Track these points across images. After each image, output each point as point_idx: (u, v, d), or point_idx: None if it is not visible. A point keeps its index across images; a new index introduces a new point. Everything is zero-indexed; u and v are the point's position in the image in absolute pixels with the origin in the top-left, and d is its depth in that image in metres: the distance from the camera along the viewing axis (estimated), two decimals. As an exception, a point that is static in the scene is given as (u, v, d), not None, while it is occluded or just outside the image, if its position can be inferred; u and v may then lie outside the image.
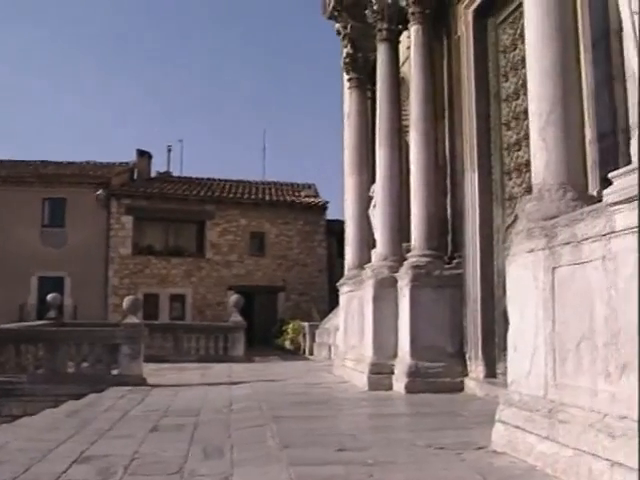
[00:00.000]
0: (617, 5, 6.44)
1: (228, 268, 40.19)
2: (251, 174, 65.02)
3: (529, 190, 7.80)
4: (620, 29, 6.75)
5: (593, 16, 8.34)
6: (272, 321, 37.72)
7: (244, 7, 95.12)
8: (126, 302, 16.79)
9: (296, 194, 44.45)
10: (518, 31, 10.93)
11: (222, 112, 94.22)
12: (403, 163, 14.48)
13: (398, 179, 14.39)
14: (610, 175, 5.72)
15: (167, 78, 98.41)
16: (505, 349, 7.54)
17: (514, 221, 7.64)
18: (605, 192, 5.61)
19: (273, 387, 14.14)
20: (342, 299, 17.30)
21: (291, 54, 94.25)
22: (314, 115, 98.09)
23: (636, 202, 5.05)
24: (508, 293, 7.38)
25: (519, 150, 11.26)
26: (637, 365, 4.91)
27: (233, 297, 26.27)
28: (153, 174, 44.73)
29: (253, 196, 42.60)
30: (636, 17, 5.98)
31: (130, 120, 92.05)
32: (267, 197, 42.91)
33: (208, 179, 45.30)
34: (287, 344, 31.52)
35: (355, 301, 15.48)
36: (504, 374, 8.02)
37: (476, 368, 12.00)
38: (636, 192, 5.06)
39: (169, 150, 47.64)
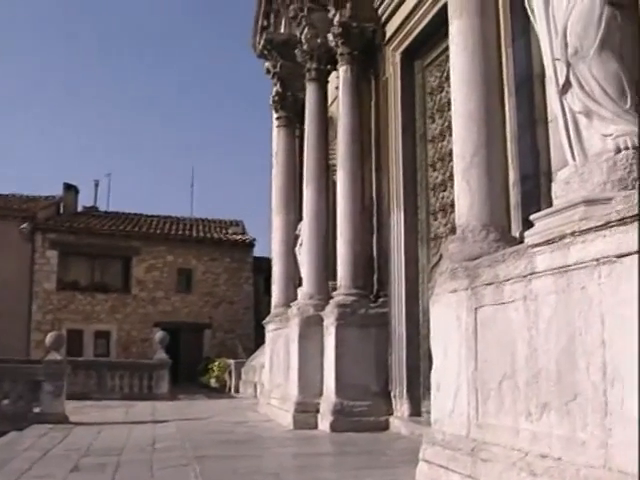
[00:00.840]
0: (540, 51, 6.61)
1: (154, 305, 39.73)
2: (179, 210, 64.63)
3: (454, 230, 7.92)
4: (543, 74, 6.94)
5: (517, 61, 8.55)
6: (198, 358, 37.29)
7: (174, 42, 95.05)
8: (49, 338, 16.43)
9: (224, 231, 44.27)
10: (445, 74, 11.14)
11: (151, 147, 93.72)
12: (330, 202, 14.56)
13: (325, 218, 14.46)
14: (531, 217, 5.85)
15: (96, 112, 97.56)
16: (430, 388, 7.59)
17: (439, 261, 7.75)
18: (526, 234, 5.72)
19: (197, 426, 13.98)
20: (268, 337, 17.25)
21: (222, 90, 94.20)
22: (244, 152, 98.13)
23: (556, 244, 5.16)
24: (432, 333, 7.45)
25: (444, 191, 11.43)
26: (557, 404, 4.99)
27: (158, 334, 25.98)
28: (80, 208, 44.08)
29: (180, 232, 42.28)
30: (558, 63, 6.15)
31: (57, 153, 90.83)
32: (195, 233, 42.63)
33: (135, 214, 44.83)
34: (213, 382, 31.21)
35: (281, 339, 15.44)
36: (429, 412, 8.08)
37: (401, 407, 12.04)
38: (556, 234, 5.18)
39: (96, 184, 47.12)
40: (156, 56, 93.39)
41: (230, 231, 44.23)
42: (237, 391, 27.30)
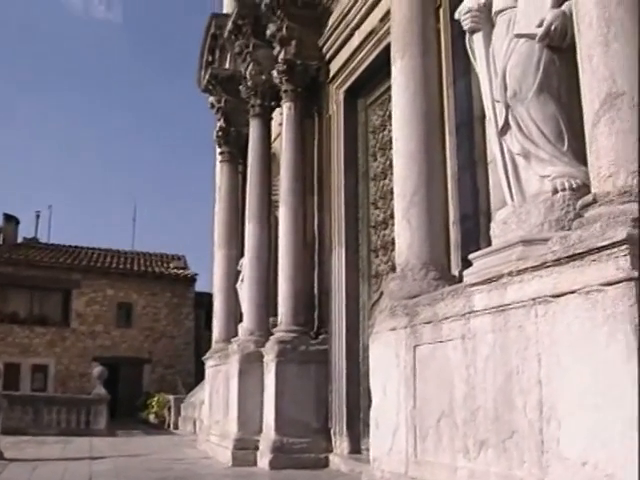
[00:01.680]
0: (480, 92, 6.73)
1: (93, 339, 39.22)
2: (121, 243, 64.00)
3: (395, 268, 7.97)
4: (483, 115, 7.06)
5: (458, 101, 8.67)
6: (137, 394, 36.82)
7: (118, 76, 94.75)
8: (-17, 372, 16.11)
9: (165, 265, 43.99)
10: (387, 112, 11.23)
11: (93, 179, 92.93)
12: (272, 238, 14.55)
13: (267, 254, 14.44)
14: (470, 256, 5.92)
15: (38, 143, 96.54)
16: (369, 425, 7.58)
17: (379, 298, 7.76)
18: (465, 273, 5.79)
19: (135, 462, 13.76)
20: (208, 373, 17.11)
21: (166, 124, 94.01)
22: (188, 186, 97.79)
23: (494, 283, 5.22)
24: (371, 370, 7.46)
25: (386, 229, 11.50)
26: (494, 442, 5.02)
27: (97, 369, 25.59)
28: (20, 239, 43.52)
29: (122, 266, 41.90)
30: (497, 105, 6.27)
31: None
32: (136, 267, 42.28)
33: (76, 247, 44.34)
34: (152, 418, 30.81)
35: (221, 375, 15.32)
36: (368, 450, 8.06)
37: (341, 444, 11.99)
38: (494, 274, 5.24)
39: (37, 216, 46.59)
40: (101, 89, 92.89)
41: (172, 265, 43.95)
42: (176, 427, 26.97)
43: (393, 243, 9.65)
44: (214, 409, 15.75)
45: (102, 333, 39.53)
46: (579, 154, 5.70)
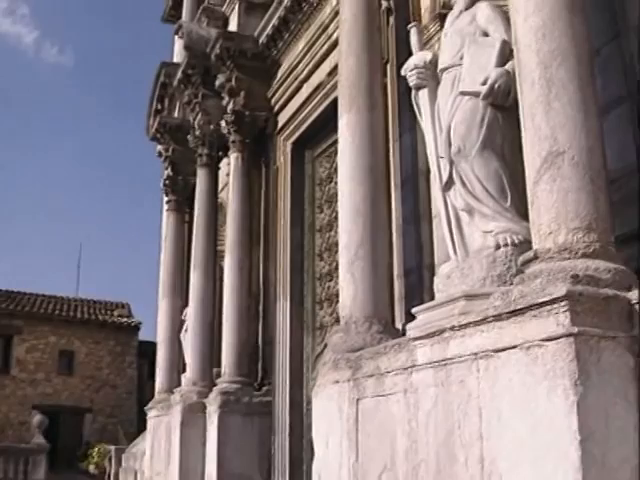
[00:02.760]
0: (425, 148, 6.82)
1: (34, 386, 38.50)
2: (64, 289, 63.21)
3: (339, 320, 7.97)
4: (428, 170, 7.14)
5: (404, 156, 8.78)
6: (78, 443, 36.15)
7: (64, 121, 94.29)
8: None
9: (109, 313, 43.49)
10: (334, 165, 11.32)
11: (37, 224, 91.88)
12: (217, 288, 14.50)
13: (211, 304, 14.37)
14: (414, 310, 5.94)
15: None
16: (312, 478, 7.52)
17: (323, 350, 7.76)
18: (408, 326, 5.80)
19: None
20: (150, 423, 16.86)
21: (113, 170, 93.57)
22: (134, 234, 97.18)
23: (436, 337, 5.24)
24: (314, 423, 7.42)
25: (331, 280, 11.52)
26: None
27: (37, 417, 25.09)
28: (-41, 284, 42.77)
29: (65, 313, 41.32)
30: (441, 161, 6.35)
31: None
32: (79, 314, 41.73)
33: (18, 292, 43.59)
34: (92, 468, 30.22)
35: (163, 426, 15.11)
36: (310, 504, 7.99)
37: (283, 497, 11.87)
38: (437, 328, 5.26)
39: (-22, 261, 45.90)
40: (49, 133, 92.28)
41: (116, 313, 43.48)
42: (117, 479, 26.45)
43: (338, 295, 9.66)
44: (155, 460, 15.50)
45: (43, 381, 38.84)
46: (522, 210, 5.78)
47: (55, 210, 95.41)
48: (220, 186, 15.32)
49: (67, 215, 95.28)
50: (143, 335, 41.96)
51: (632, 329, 4.40)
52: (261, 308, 13.35)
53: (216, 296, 14.48)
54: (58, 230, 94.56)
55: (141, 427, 28.24)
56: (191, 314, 14.60)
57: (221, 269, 14.33)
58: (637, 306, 4.42)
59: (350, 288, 7.45)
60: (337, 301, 10.28)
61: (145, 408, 17.84)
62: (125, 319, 42.78)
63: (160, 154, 17.97)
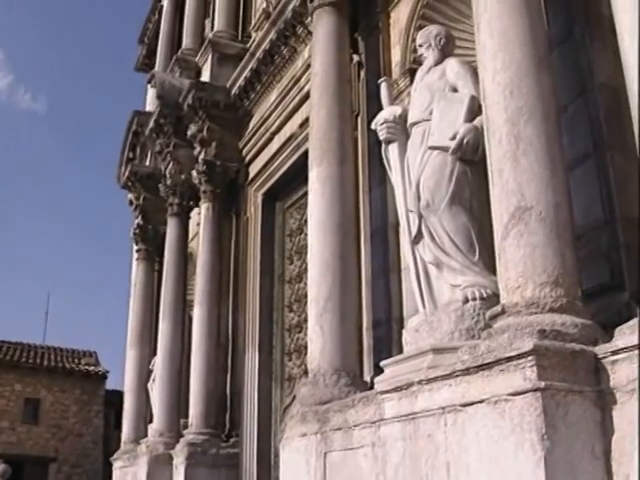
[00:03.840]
0: (395, 201, 6.86)
1: (-2, 435, 37.82)
2: (31, 336, 62.40)
3: (308, 372, 7.94)
4: (397, 223, 7.19)
5: (373, 209, 8.81)
6: (42, 494, 35.50)
7: (36, 167, 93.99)
8: None
9: (76, 361, 42.94)
10: (305, 217, 11.34)
11: (5, 270, 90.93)
12: (186, 338, 14.39)
13: (179, 354, 14.26)
14: (382, 363, 5.94)
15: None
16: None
17: (291, 403, 7.72)
18: (376, 380, 5.80)
19: None
20: (116, 474, 16.60)
21: (83, 218, 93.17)
22: (102, 281, 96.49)
23: (404, 391, 5.23)
24: (281, 476, 7.36)
25: (300, 332, 11.48)
26: None
27: (0, 467, 24.64)
28: None
29: (31, 360, 40.70)
30: (411, 214, 6.40)
31: None
32: (46, 362, 41.14)
33: (-17, 339, 43.04)
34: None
35: (129, 477, 14.89)
36: None
37: None
38: (405, 382, 5.26)
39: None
40: (20, 180, 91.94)
41: (83, 361, 42.94)
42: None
43: (307, 346, 9.65)
44: (120, 513, 15.26)
45: (7, 429, 38.13)
46: (490, 264, 5.83)
47: (23, 258, 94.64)
48: (190, 235, 15.30)
49: (35, 263, 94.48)
50: (110, 384, 41.39)
51: (599, 383, 4.43)
52: (230, 359, 13.26)
53: (185, 346, 14.37)
54: (26, 277, 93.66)
55: (107, 478, 27.78)
56: (159, 364, 14.47)
57: (190, 319, 14.25)
58: (603, 360, 4.45)
59: (319, 341, 7.45)
60: (306, 352, 10.25)
61: (111, 459, 17.58)
62: (92, 367, 42.23)
63: (131, 202, 17.93)
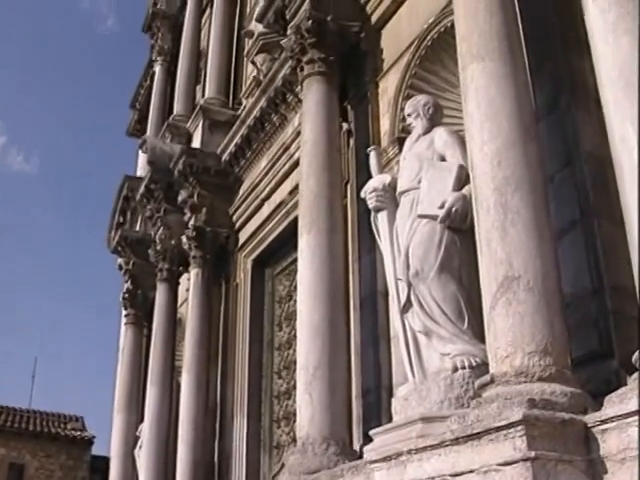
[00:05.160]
0: (384, 269, 6.89)
1: (-21, 502, 37.15)
2: (17, 400, 61.71)
3: (296, 439, 7.87)
4: (386, 291, 7.20)
5: (363, 277, 8.82)
6: None
7: (26, 228, 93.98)
8: None
9: (62, 426, 42.41)
10: (294, 283, 11.35)
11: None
12: (174, 404, 14.27)
13: (167, 420, 14.12)
14: (371, 432, 5.90)
15: None
16: None
17: (280, 471, 7.65)
18: (365, 449, 5.75)
19: None
20: None
21: (72, 284, 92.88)
22: (90, 346, 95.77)
23: (393, 460, 5.20)
24: None
25: (289, 399, 11.41)
26: None
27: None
28: None
29: (16, 425, 40.18)
30: (400, 283, 6.41)
31: None
32: (31, 427, 40.62)
33: (-32, 402, 42.50)
34: None
35: None
36: None
37: None
38: (394, 451, 5.22)
39: None
40: (11, 241, 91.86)
41: (69, 426, 42.41)
42: None
43: (295, 414, 9.58)
44: None
45: (-12, 497, 37.55)
46: (479, 332, 5.83)
47: (10, 320, 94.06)
48: (180, 301, 15.27)
49: (23, 325, 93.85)
50: (96, 450, 40.79)
51: (589, 452, 4.42)
52: (218, 426, 13.12)
53: (172, 412, 14.24)
54: (13, 341, 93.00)
55: None
56: (146, 430, 14.32)
57: (178, 385, 14.15)
58: (593, 429, 4.44)
59: (308, 409, 7.40)
60: (295, 420, 10.18)
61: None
62: (78, 432, 41.70)
63: (120, 267, 17.93)
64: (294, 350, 11.04)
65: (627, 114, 4.80)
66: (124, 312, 17.97)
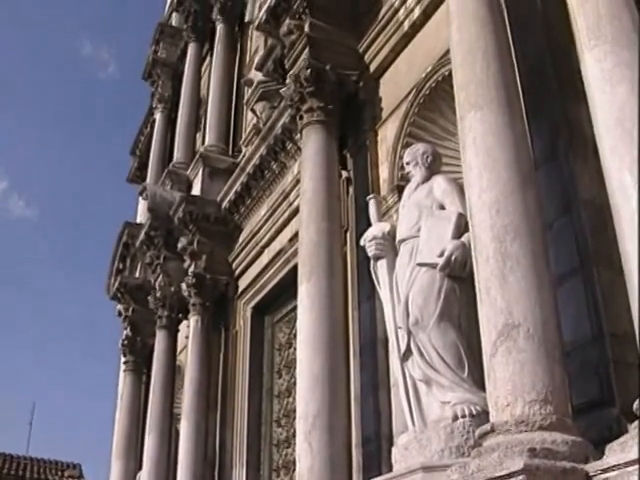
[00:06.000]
0: (384, 316, 6.90)
1: None
2: (15, 447, 61.13)
3: (296, 489, 7.82)
4: (386, 339, 7.19)
5: (362, 324, 8.80)
6: None
7: (25, 273, 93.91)
8: None
9: (59, 473, 42.06)
10: (294, 330, 11.33)
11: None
12: (172, 452, 14.18)
13: (165, 468, 14.00)
14: (371, 482, 5.86)
15: None
16: None
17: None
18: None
19: None
20: None
21: (71, 330, 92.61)
22: (88, 392, 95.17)
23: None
24: None
25: (288, 447, 11.32)
26: None
27: None
28: None
29: (13, 472, 39.82)
30: (399, 331, 6.42)
31: None
32: (28, 474, 40.27)
33: (-36, 449, 42.12)
34: None
35: None
36: None
37: None
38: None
39: None
40: (6, 284, 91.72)
41: (66, 474, 42.07)
42: None
43: (295, 462, 9.51)
44: None
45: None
46: (479, 380, 5.82)
47: (8, 367, 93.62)
48: (179, 348, 15.22)
49: (21, 372, 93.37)
50: (95, 498, 40.54)
51: (591, 501, 4.39)
52: (217, 474, 13.00)
53: (171, 460, 14.14)
54: (10, 387, 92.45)
55: None
56: (145, 477, 14.18)
57: (177, 432, 14.07)
58: (595, 478, 4.42)
59: (307, 458, 7.36)
60: (294, 469, 10.10)
61: None
62: (76, 480, 41.40)
63: (120, 314, 17.91)
64: (294, 398, 10.99)
65: (625, 162, 4.84)
66: (123, 359, 17.92)
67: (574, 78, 6.04)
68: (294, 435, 10.48)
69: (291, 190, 11.70)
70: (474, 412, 5.79)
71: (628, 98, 5.01)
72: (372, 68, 9.82)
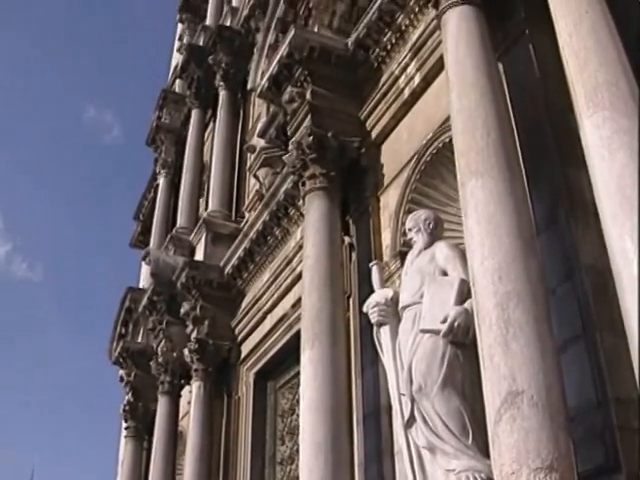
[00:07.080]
0: (387, 383, 6.88)
1: None
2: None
3: None
4: (390, 405, 7.16)
5: (366, 391, 8.73)
6: None
7: (25, 334, 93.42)
8: None
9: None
10: (297, 396, 11.26)
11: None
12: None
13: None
14: None
15: None
16: None
17: None
18: None
19: None
20: None
21: (71, 396, 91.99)
22: (88, 458, 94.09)
23: None
24: None
25: (292, 515, 11.20)
26: None
27: None
28: None
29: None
30: (403, 398, 6.40)
31: None
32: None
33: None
34: None
35: None
36: None
37: None
38: None
39: None
40: (6, 345, 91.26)
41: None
42: None
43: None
44: None
45: None
46: (484, 447, 5.79)
47: (8, 431, 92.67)
48: (181, 414, 15.12)
49: (20, 436, 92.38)
50: None
51: None
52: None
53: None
54: (10, 452, 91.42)
55: None
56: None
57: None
58: None
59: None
60: (297, 538, 9.99)
61: None
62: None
63: (122, 379, 17.84)
64: (296, 465, 10.86)
65: (625, 228, 4.89)
66: (124, 424, 17.80)
67: (574, 143, 6.10)
68: (298, 503, 10.38)
69: (294, 256, 11.74)
70: (479, 480, 5.75)
71: (627, 164, 5.07)
72: (374, 135, 9.91)
